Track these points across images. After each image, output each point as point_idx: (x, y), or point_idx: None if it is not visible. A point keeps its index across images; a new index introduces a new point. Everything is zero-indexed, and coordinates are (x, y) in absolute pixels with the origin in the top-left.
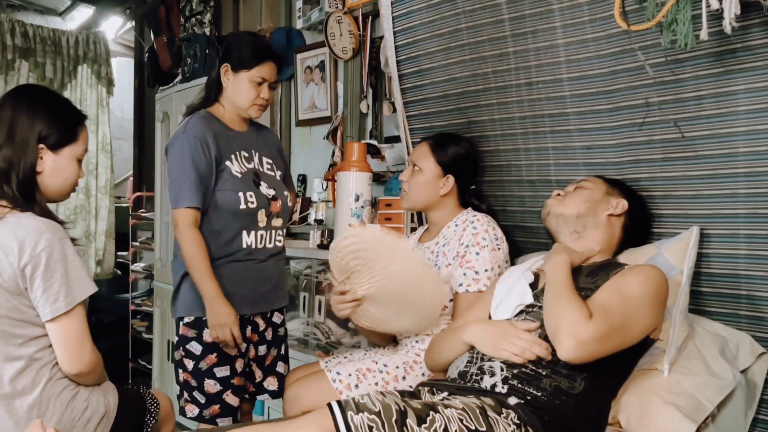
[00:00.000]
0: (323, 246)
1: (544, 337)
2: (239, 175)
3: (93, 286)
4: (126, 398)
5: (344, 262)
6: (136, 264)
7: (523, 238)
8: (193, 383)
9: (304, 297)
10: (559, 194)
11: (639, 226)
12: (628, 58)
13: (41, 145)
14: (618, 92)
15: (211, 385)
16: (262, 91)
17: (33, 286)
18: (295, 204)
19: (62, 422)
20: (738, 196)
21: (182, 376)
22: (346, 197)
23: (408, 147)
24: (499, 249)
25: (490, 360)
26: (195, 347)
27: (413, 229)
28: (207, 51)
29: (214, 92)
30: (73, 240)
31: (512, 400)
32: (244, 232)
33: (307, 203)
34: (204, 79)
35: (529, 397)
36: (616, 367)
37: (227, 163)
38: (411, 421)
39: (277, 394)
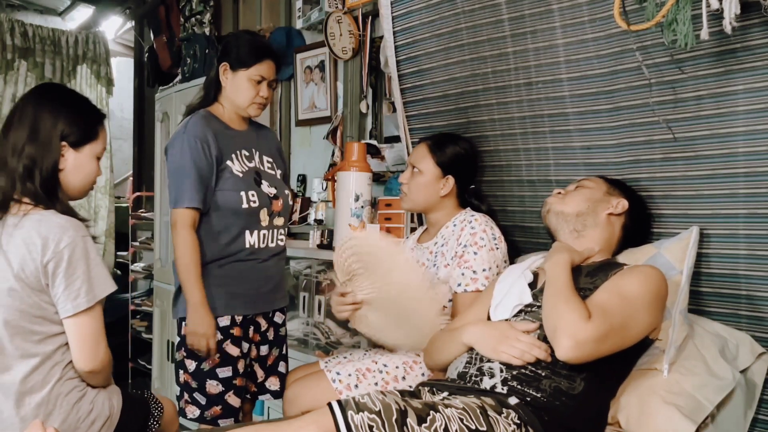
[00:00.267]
0: (323, 246)
1: (543, 338)
2: (240, 175)
3: (113, 284)
4: (130, 402)
5: (347, 264)
6: (135, 264)
7: (523, 238)
8: (194, 384)
9: (304, 297)
10: (559, 193)
11: (639, 226)
12: (627, 58)
13: (63, 143)
14: (618, 92)
15: (213, 386)
16: (261, 90)
17: (55, 282)
18: (295, 204)
19: (67, 422)
20: (737, 196)
21: (183, 376)
22: (346, 197)
23: (408, 147)
24: (497, 248)
25: (489, 361)
26: None
27: (413, 229)
28: (207, 51)
29: (213, 92)
30: (93, 238)
31: (512, 400)
32: (247, 232)
33: (307, 203)
34: (203, 79)
35: (528, 398)
36: (615, 368)
37: (228, 162)
38: (411, 420)
39: (279, 394)
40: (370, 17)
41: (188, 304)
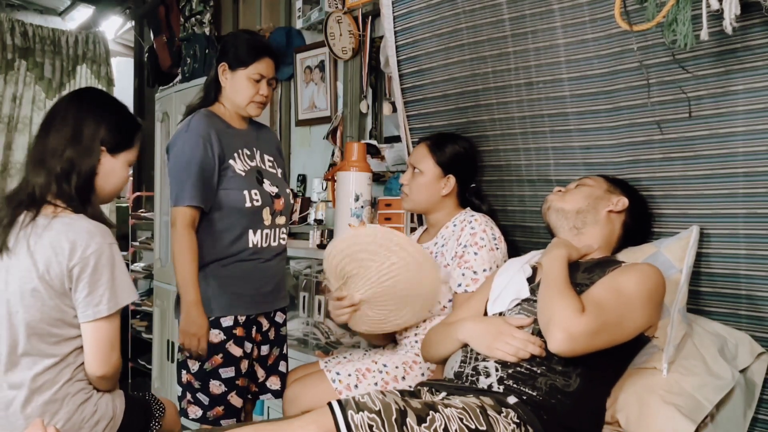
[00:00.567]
0: (323, 246)
1: (538, 332)
2: (243, 174)
3: (135, 294)
4: (132, 403)
5: (339, 268)
6: (135, 264)
7: (523, 238)
8: (197, 384)
9: (304, 297)
10: (560, 190)
11: (639, 225)
12: (628, 58)
13: (102, 148)
14: (618, 92)
15: (216, 386)
16: (260, 88)
17: (78, 287)
18: (296, 203)
19: (71, 422)
20: (737, 196)
21: (185, 377)
22: (346, 197)
23: (408, 147)
24: (497, 249)
25: (484, 360)
26: None
27: (413, 229)
28: (207, 51)
29: (213, 92)
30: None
31: (511, 399)
32: (250, 231)
33: (307, 203)
34: (203, 79)
35: (525, 397)
36: (610, 365)
37: (230, 161)
38: (411, 420)
39: (280, 393)
40: (369, 17)
41: (182, 303)
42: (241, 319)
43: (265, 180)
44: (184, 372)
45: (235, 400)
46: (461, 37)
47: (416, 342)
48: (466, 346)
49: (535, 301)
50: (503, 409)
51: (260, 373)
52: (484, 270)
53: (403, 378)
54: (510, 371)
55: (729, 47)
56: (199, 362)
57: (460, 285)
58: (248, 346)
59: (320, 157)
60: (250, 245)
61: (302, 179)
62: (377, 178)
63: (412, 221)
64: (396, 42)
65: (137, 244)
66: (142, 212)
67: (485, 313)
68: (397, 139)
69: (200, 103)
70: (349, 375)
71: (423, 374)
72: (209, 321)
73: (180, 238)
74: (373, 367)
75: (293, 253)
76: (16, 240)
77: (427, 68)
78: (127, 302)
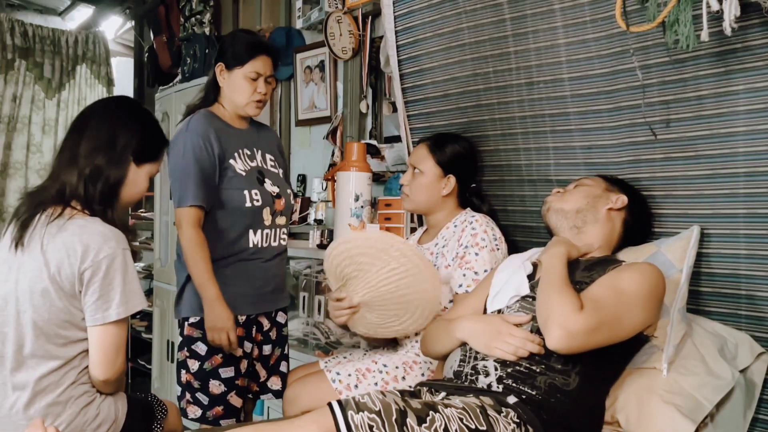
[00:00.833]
0: (323, 246)
1: (537, 330)
2: (243, 173)
3: (145, 302)
4: (134, 405)
5: (339, 269)
6: (135, 264)
7: (523, 238)
8: (197, 384)
9: (304, 297)
10: (559, 191)
11: (639, 223)
12: (628, 58)
13: (130, 157)
14: (618, 92)
15: (216, 386)
16: (258, 87)
17: (88, 290)
18: (296, 204)
19: (73, 424)
20: (738, 195)
21: (185, 376)
22: (346, 197)
23: (408, 147)
24: (498, 249)
25: (483, 359)
26: (200, 347)
27: (413, 229)
28: (207, 51)
29: (212, 93)
30: (132, 253)
31: (511, 399)
32: (251, 231)
33: (307, 203)
34: (203, 79)
35: (524, 396)
36: (609, 364)
37: (231, 161)
38: (411, 420)
39: (281, 393)
40: (370, 17)
41: (204, 301)
42: (242, 318)
43: (266, 180)
44: (183, 372)
45: (235, 400)
46: (462, 37)
47: (416, 342)
48: (465, 344)
49: (535, 298)
50: (503, 409)
51: (261, 373)
52: (485, 270)
53: (403, 378)
54: (509, 370)
55: (729, 47)
56: (199, 362)
57: (461, 285)
58: (248, 345)
59: (320, 157)
60: (251, 245)
61: (302, 179)
62: (377, 178)
63: (412, 221)
64: (396, 41)
65: (137, 244)
66: (142, 212)
67: (485, 310)
68: (397, 139)
69: (200, 103)
70: (349, 375)
71: (423, 374)
72: None
73: (189, 238)
74: (373, 367)
75: (293, 253)
76: (30, 237)
77: (428, 68)
78: (137, 309)
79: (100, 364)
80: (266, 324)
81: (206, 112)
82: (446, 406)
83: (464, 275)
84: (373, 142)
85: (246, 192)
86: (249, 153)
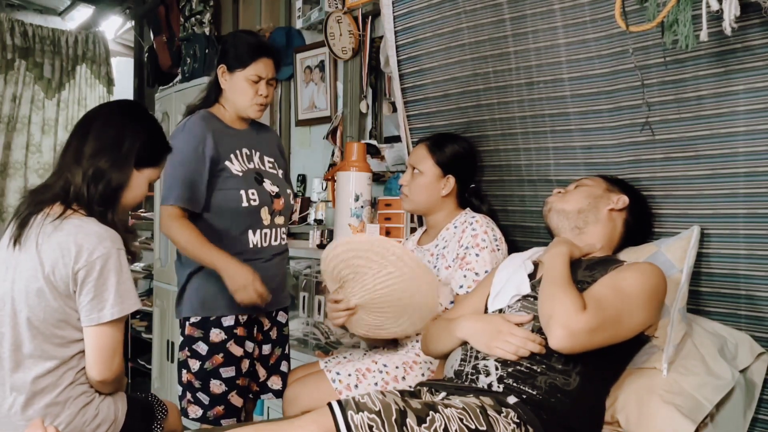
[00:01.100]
0: (323, 246)
1: (538, 329)
2: (240, 174)
3: (139, 302)
4: (134, 405)
5: (336, 272)
6: (135, 264)
7: (523, 238)
8: (197, 384)
9: (304, 297)
10: (560, 192)
11: (640, 223)
12: (629, 58)
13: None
14: (619, 92)
15: (217, 386)
16: (260, 89)
17: (83, 290)
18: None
19: (72, 425)
20: (738, 196)
21: (186, 376)
22: (346, 197)
23: (408, 146)
24: (498, 250)
25: (484, 358)
26: (201, 347)
27: (413, 230)
28: (206, 51)
29: (213, 93)
30: (131, 253)
31: (511, 399)
32: (250, 231)
33: (307, 203)
34: (203, 79)
35: (524, 396)
36: (610, 364)
37: (227, 163)
38: (411, 420)
39: (281, 393)
40: (369, 17)
41: (218, 270)
42: (243, 318)
43: (265, 180)
44: (184, 371)
45: (236, 400)
46: (462, 37)
47: (417, 342)
48: (466, 343)
49: (536, 297)
50: (503, 409)
51: (261, 372)
52: (486, 271)
53: (403, 378)
54: (510, 370)
55: (729, 47)
56: (199, 362)
57: (461, 286)
58: (249, 345)
59: (320, 157)
60: (251, 245)
61: (302, 179)
62: (377, 178)
63: (412, 221)
64: (396, 42)
65: (137, 244)
66: (142, 212)
67: (486, 309)
68: (397, 139)
69: (200, 103)
70: (349, 375)
71: (423, 374)
72: (210, 321)
73: (174, 228)
74: (373, 367)
75: (293, 253)
76: (27, 236)
77: (428, 68)
78: (132, 309)
79: (97, 365)
80: (266, 323)
81: (205, 113)
82: (446, 406)
83: (465, 276)
84: (373, 142)
85: (242, 192)
86: (247, 154)
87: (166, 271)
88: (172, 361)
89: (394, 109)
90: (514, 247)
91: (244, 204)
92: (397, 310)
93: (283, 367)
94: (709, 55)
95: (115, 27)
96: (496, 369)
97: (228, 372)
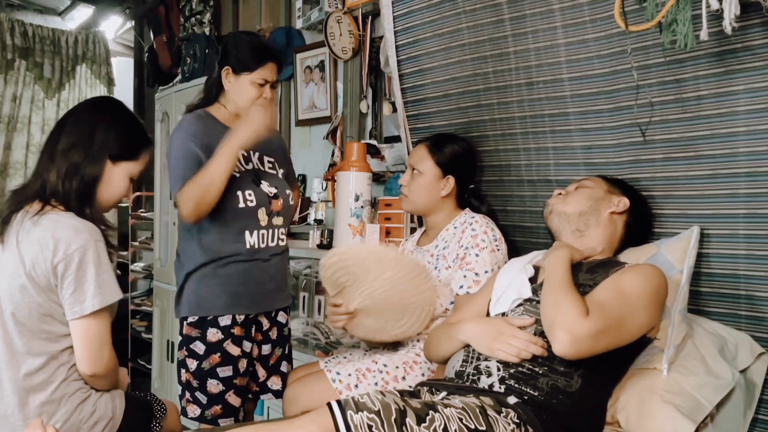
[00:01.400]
0: (323, 246)
1: (540, 333)
2: (237, 175)
3: (119, 293)
4: (132, 403)
5: (335, 278)
6: (135, 264)
7: (523, 238)
8: (195, 383)
9: (304, 297)
10: (560, 193)
11: (641, 225)
12: (628, 58)
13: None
14: (618, 92)
15: (214, 385)
16: (264, 92)
17: (63, 284)
18: (298, 201)
19: (69, 422)
20: (738, 196)
21: (184, 376)
22: (346, 197)
23: (408, 147)
24: (498, 250)
25: (486, 359)
26: (198, 347)
27: (413, 230)
28: (206, 51)
29: (214, 93)
30: (113, 247)
31: (511, 399)
32: (247, 232)
33: (307, 203)
34: (203, 79)
35: (526, 397)
36: (612, 365)
37: None
38: (410, 420)
39: (281, 393)
40: (370, 17)
41: (231, 147)
42: (240, 318)
43: (263, 181)
44: (183, 371)
45: (233, 399)
46: (462, 37)
47: (417, 342)
48: (468, 345)
49: (538, 301)
50: (503, 409)
51: (261, 372)
52: (486, 272)
53: (404, 378)
54: (512, 371)
55: (729, 47)
56: (197, 361)
57: (461, 287)
58: (247, 345)
59: (320, 157)
60: (248, 246)
61: (302, 179)
62: (377, 178)
63: (412, 221)
64: (396, 42)
65: (137, 244)
66: (142, 212)
67: (488, 314)
68: (397, 139)
69: (200, 102)
70: (349, 375)
71: (423, 374)
72: (207, 320)
73: (187, 198)
74: (373, 367)
75: (293, 253)
76: (8, 234)
77: (428, 68)
78: (111, 301)
79: (85, 359)
80: (266, 324)
81: (202, 112)
82: (446, 405)
83: (465, 276)
84: (373, 142)
85: (239, 192)
86: (245, 154)
87: (166, 271)
88: (172, 361)
89: (394, 109)
90: (513, 247)
91: (241, 205)
92: (397, 312)
93: (284, 368)
94: (709, 54)
95: (115, 27)
96: (498, 370)
97: (225, 372)
